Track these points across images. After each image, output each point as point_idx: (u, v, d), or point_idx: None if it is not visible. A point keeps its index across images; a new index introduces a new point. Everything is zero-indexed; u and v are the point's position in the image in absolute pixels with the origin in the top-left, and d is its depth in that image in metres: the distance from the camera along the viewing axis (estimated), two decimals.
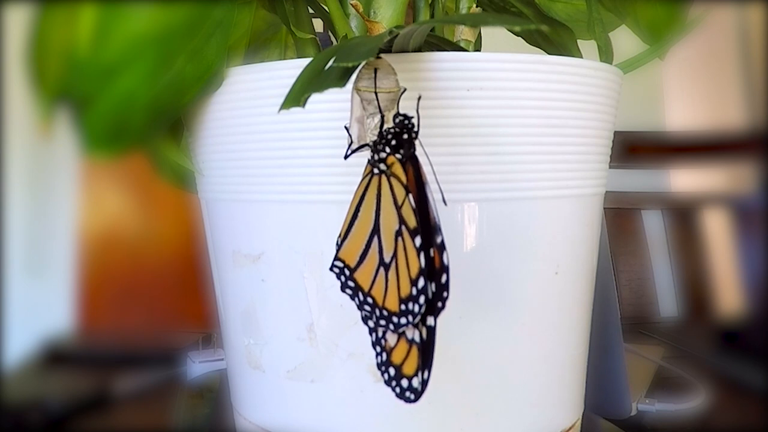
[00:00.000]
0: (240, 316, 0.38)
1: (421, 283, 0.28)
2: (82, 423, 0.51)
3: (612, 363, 0.47)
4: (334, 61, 0.28)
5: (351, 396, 0.35)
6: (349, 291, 0.30)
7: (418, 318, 0.28)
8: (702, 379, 0.57)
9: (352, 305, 0.30)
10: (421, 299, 0.28)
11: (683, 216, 1.02)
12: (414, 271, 0.28)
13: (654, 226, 1.03)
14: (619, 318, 0.47)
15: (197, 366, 0.62)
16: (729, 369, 0.63)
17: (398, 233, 0.29)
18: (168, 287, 1.05)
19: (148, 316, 1.03)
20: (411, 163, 0.29)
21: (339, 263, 0.30)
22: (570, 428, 0.39)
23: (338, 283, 0.30)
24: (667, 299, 1.00)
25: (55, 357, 0.67)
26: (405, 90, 0.31)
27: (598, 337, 0.42)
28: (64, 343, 0.72)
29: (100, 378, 0.59)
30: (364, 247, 0.29)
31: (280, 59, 0.45)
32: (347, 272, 0.30)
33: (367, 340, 0.30)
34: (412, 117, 0.30)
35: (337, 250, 0.30)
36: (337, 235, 0.30)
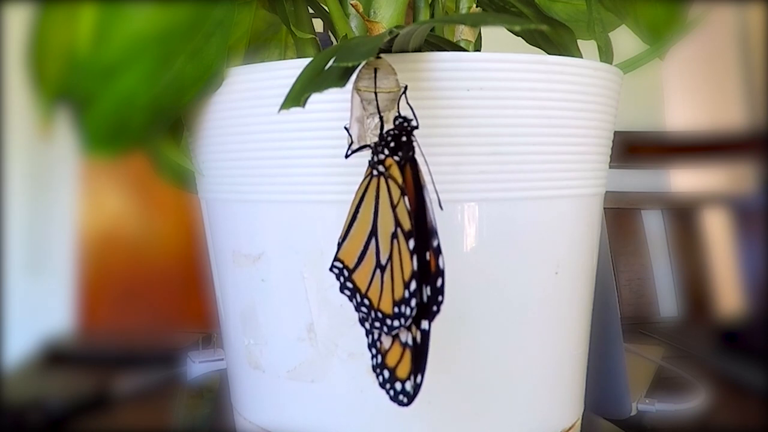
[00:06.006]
0: (240, 316, 0.38)
1: (413, 285, 0.28)
2: (82, 423, 0.51)
3: (612, 363, 0.47)
4: (334, 61, 0.28)
5: (351, 396, 0.35)
6: (347, 292, 0.30)
7: (410, 321, 0.28)
8: (702, 379, 0.57)
9: (351, 305, 0.30)
10: (413, 302, 0.28)
11: (683, 216, 1.02)
12: (407, 274, 0.28)
13: (654, 226, 1.03)
14: (619, 318, 0.47)
15: (197, 366, 0.62)
16: (729, 369, 0.63)
17: (394, 235, 0.29)
18: (168, 287, 1.05)
19: (148, 316, 1.03)
20: (410, 165, 0.29)
21: (338, 264, 0.30)
22: (570, 428, 0.39)
23: (338, 284, 0.30)
24: (667, 299, 1.00)
25: (55, 357, 0.67)
26: (406, 89, 0.31)
27: (598, 337, 0.42)
28: (64, 343, 0.72)
29: (100, 378, 0.59)
30: (362, 248, 0.29)
31: (280, 59, 0.45)
32: (346, 273, 0.30)
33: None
34: (412, 120, 0.30)
35: (337, 251, 0.30)
36: (338, 235, 0.30)
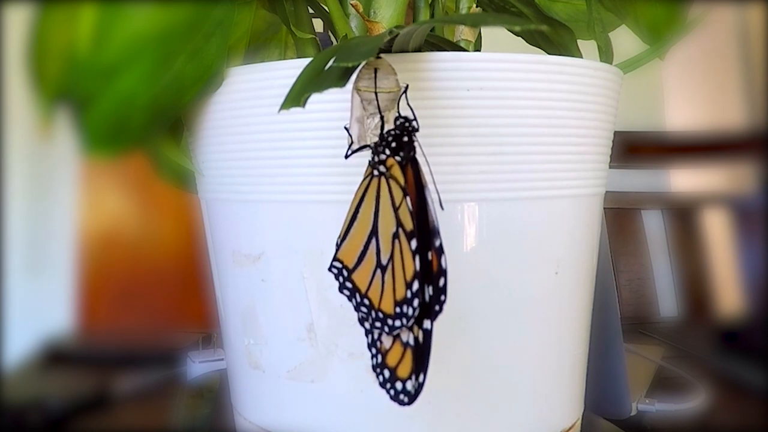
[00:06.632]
0: (240, 316, 0.38)
1: (415, 285, 0.28)
2: (82, 423, 0.51)
3: (612, 363, 0.47)
4: (334, 61, 0.28)
5: (351, 396, 0.35)
6: (346, 292, 0.30)
7: (412, 321, 0.28)
8: (702, 379, 0.57)
9: (351, 305, 0.30)
10: (415, 302, 0.28)
11: (683, 216, 1.02)
12: (409, 274, 0.28)
13: (654, 226, 1.03)
14: (619, 318, 0.47)
15: (197, 366, 0.62)
16: (729, 369, 0.63)
17: (395, 235, 0.28)
18: (168, 287, 1.05)
19: (148, 316, 1.03)
20: (411, 165, 0.29)
21: (337, 263, 0.30)
22: (570, 428, 0.39)
23: (338, 283, 0.30)
24: (667, 299, 1.00)
25: (55, 357, 0.67)
26: (407, 88, 0.31)
27: (598, 337, 0.42)
28: (64, 343, 0.72)
29: (100, 378, 0.59)
30: (362, 248, 0.29)
31: (280, 59, 0.45)
32: (345, 273, 0.30)
33: None
34: (413, 120, 0.30)
35: (336, 251, 0.30)
36: (337, 235, 0.30)
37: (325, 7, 0.41)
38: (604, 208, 0.42)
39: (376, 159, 0.30)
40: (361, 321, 0.30)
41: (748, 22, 1.22)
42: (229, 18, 0.35)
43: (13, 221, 0.96)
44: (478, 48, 0.44)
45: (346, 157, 0.31)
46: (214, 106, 0.37)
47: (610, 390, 0.47)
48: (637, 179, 1.04)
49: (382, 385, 0.29)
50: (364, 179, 0.30)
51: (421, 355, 0.28)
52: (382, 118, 0.30)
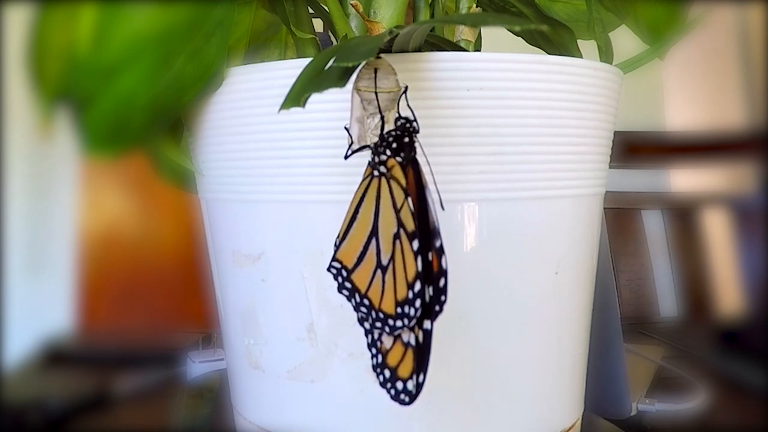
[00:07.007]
0: (240, 316, 0.38)
1: (417, 286, 0.28)
2: (82, 423, 0.51)
3: (612, 363, 0.47)
4: (334, 61, 0.28)
5: (351, 396, 0.35)
6: (345, 292, 0.30)
7: (414, 321, 0.28)
8: (702, 379, 0.57)
9: (351, 305, 0.30)
10: (417, 302, 0.28)
11: (683, 216, 1.02)
12: (411, 275, 0.28)
13: (654, 226, 1.03)
14: (619, 318, 0.47)
15: (197, 366, 0.62)
16: (729, 369, 0.63)
17: (396, 236, 0.28)
18: (168, 287, 1.05)
19: (148, 316, 1.03)
20: (411, 166, 0.29)
21: (336, 264, 0.30)
22: (570, 428, 0.39)
23: (337, 284, 0.30)
24: (667, 299, 1.00)
25: (55, 357, 0.67)
26: (407, 88, 0.31)
27: (598, 337, 0.42)
28: (64, 343, 0.72)
29: (100, 378, 0.59)
30: (362, 248, 0.29)
31: (280, 59, 0.45)
32: (344, 273, 0.30)
33: None
34: (414, 120, 0.30)
35: (335, 251, 0.30)
36: (336, 235, 0.30)
37: (325, 7, 0.41)
38: (604, 208, 0.42)
39: (377, 159, 0.30)
40: (361, 321, 0.30)
41: (748, 22, 1.22)
42: (229, 18, 0.35)
43: (13, 221, 0.96)
44: (478, 48, 0.44)
45: (346, 157, 0.31)
46: (214, 106, 0.37)
47: (610, 390, 0.47)
48: (637, 179, 1.04)
49: (383, 385, 0.29)
50: (364, 180, 0.30)
51: (421, 355, 0.28)
52: (382, 118, 0.30)
